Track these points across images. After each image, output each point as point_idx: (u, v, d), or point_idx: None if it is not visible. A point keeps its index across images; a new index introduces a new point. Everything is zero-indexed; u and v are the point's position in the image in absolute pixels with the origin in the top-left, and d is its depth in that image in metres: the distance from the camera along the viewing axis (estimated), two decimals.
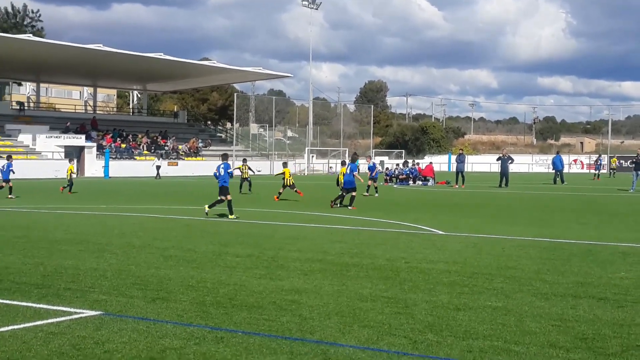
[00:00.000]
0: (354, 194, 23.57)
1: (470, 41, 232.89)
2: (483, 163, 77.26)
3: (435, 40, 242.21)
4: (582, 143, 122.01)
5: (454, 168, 73.25)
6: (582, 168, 76.97)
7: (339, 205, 23.38)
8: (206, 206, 19.91)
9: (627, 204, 26.58)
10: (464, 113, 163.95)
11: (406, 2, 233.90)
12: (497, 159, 41.57)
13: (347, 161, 27.84)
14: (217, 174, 19.98)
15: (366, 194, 30.97)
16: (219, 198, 19.87)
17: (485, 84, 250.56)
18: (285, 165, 29.72)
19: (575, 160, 78.16)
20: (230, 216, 19.30)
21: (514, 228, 17.30)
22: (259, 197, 29.43)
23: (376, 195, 31.08)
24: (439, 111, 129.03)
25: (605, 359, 6.27)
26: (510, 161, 39.99)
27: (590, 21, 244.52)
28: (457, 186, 39.60)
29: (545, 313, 8.01)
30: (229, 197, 19.68)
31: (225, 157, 21.28)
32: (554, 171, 46.13)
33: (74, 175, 32.78)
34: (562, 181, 43.81)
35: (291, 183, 27.59)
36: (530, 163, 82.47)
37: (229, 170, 20.25)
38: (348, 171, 24.00)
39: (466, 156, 43.91)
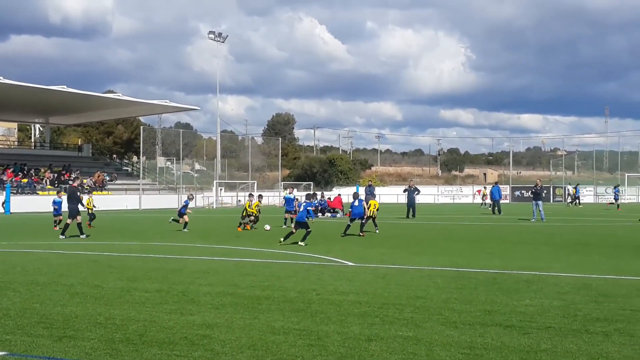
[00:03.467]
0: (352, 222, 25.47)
1: (374, 74, 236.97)
2: (390, 194, 78.32)
3: (339, 73, 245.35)
4: (485, 174, 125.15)
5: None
6: (486, 199, 78.90)
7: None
8: (301, 242, 21.43)
9: (527, 233, 27.33)
10: (370, 145, 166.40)
11: (310, 35, 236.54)
12: (404, 191, 42.30)
13: (361, 191, 28.98)
14: (295, 209, 24.90)
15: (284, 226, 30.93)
16: (292, 230, 22.15)
17: (390, 116, 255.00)
18: (258, 197, 31.59)
19: (479, 191, 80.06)
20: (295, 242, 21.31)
21: (422, 258, 17.59)
22: (166, 231, 29.02)
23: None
24: (346, 143, 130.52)
25: None
26: (416, 192, 40.78)
27: (488, 56, 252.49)
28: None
29: (454, 342, 8.16)
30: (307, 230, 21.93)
31: (309, 196, 25.63)
32: (491, 201, 46.81)
33: None
34: (499, 211, 44.36)
35: (250, 213, 29.31)
36: (435, 194, 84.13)
37: (308, 208, 23.15)
38: (357, 203, 25.36)
39: (375, 187, 44.32)
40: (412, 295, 11.50)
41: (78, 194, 26.43)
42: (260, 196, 31.55)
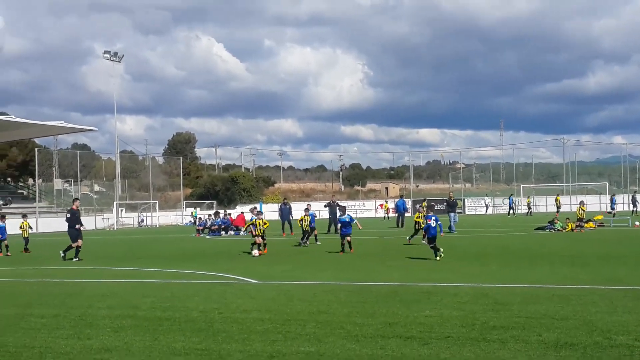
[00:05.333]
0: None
1: (274, 92, 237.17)
2: (295, 211, 78.35)
3: (239, 92, 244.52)
4: (387, 188, 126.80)
5: (268, 217, 73.83)
6: (389, 213, 79.86)
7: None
8: None
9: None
10: (273, 162, 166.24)
11: (207, 54, 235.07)
12: (325, 206, 42.51)
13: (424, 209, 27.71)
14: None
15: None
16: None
17: (291, 133, 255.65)
18: (257, 212, 27.14)
19: (381, 205, 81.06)
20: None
21: (325, 274, 17.67)
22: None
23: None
24: (248, 161, 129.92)
25: None
26: (338, 207, 40.98)
27: (386, 72, 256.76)
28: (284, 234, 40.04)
29: (356, 355, 8.22)
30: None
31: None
32: (396, 214, 47.24)
33: None
34: (402, 225, 44.56)
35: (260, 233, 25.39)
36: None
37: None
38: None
39: (290, 205, 44.12)
40: (315, 311, 11.53)
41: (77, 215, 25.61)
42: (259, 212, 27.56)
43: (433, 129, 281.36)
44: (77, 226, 25.00)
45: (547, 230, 35.75)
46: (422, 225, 25.73)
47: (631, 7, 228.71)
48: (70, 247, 24.88)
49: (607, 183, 77.36)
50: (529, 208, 67.83)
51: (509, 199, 67.72)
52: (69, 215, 25.34)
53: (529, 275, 16.21)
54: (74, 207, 25.98)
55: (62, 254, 24.78)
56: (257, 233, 24.89)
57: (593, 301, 11.83)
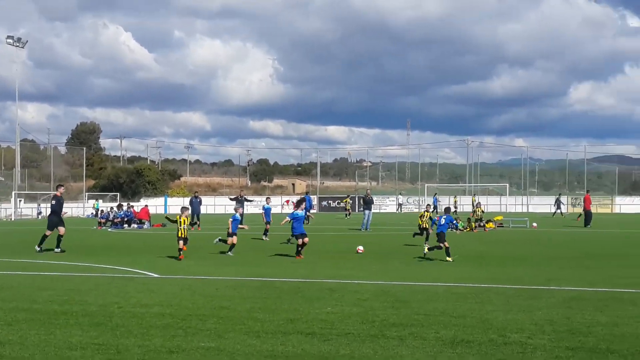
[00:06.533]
0: None
1: (182, 84, 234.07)
2: (207, 205, 77.57)
3: (147, 82, 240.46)
4: (293, 184, 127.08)
5: (172, 210, 72.92)
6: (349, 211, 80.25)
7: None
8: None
9: (333, 243, 28.02)
10: (179, 155, 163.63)
11: (115, 42, 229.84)
12: (232, 199, 42.26)
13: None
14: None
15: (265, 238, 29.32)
16: None
17: (199, 126, 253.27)
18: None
19: (287, 201, 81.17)
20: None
21: (229, 269, 17.58)
22: None
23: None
24: (154, 153, 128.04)
25: None
26: (246, 202, 40.79)
27: (296, 68, 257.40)
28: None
29: (256, 351, 8.20)
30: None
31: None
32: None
33: None
34: (308, 221, 44.45)
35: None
36: (245, 204, 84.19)
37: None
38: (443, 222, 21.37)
39: (200, 198, 43.50)
40: (217, 306, 11.46)
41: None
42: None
43: (341, 126, 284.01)
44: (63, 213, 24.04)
45: (449, 229, 36.45)
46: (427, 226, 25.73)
47: (535, 13, 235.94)
48: (45, 237, 23.47)
49: (507, 185, 79.50)
50: (455, 207, 68.61)
51: (434, 198, 68.64)
52: (54, 202, 24.09)
53: (430, 273, 16.53)
54: (59, 193, 24.67)
55: (38, 248, 23.23)
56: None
57: (490, 299, 12.14)
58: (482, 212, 40.03)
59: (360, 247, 22.70)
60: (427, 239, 23.82)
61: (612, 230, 36.85)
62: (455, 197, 68.30)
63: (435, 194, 70.83)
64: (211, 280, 15.32)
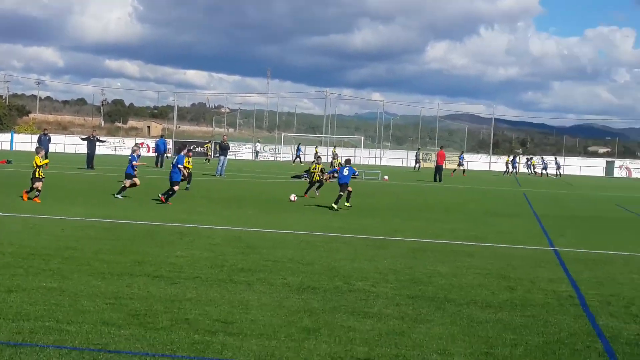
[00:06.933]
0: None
1: (35, 17, 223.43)
2: (57, 143, 74.71)
3: None
4: (149, 127, 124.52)
5: (19, 147, 70.00)
6: (149, 151, 78.73)
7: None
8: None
9: (197, 188, 27.75)
10: (29, 91, 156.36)
11: None
12: (83, 139, 40.77)
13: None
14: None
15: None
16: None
17: (51, 62, 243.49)
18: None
19: (142, 144, 79.58)
20: None
21: (79, 209, 17.10)
22: None
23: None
24: (2, 88, 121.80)
25: (154, 333, 6.49)
26: (99, 143, 39.44)
27: (156, 8, 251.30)
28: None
29: (100, 292, 8.06)
30: None
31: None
32: (155, 154, 45.92)
33: None
34: (162, 165, 42.93)
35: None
36: (97, 145, 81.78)
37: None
38: (346, 172, 21.30)
39: (50, 136, 41.42)
40: (62, 246, 11.16)
41: None
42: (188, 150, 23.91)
43: (201, 71, 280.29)
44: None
45: (303, 179, 36.92)
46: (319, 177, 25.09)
47: None
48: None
49: (362, 137, 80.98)
50: (318, 157, 67.66)
51: (297, 148, 68.19)
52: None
53: (282, 221, 16.69)
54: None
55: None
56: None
57: (338, 248, 12.43)
58: (340, 164, 40.69)
59: (293, 196, 22.59)
60: (316, 188, 23.94)
61: (458, 186, 38.33)
62: (316, 147, 68.79)
63: (299, 143, 71.13)
64: (58, 220, 14.88)
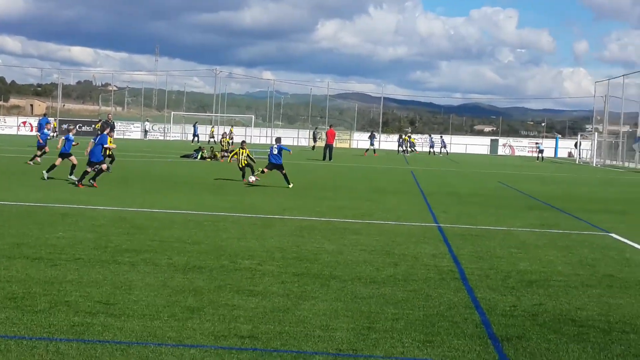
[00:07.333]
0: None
1: None
2: None
3: None
4: (32, 105, 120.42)
5: None
6: (32, 130, 76.19)
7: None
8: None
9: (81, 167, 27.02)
10: None
11: None
12: None
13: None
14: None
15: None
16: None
17: None
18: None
19: (24, 123, 76.87)
20: None
21: None
22: None
23: None
24: None
25: (32, 316, 6.32)
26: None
27: None
28: None
29: None
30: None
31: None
32: (37, 134, 44.27)
33: None
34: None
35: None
36: None
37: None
38: (276, 151, 21.62)
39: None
40: None
41: None
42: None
43: (86, 47, 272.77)
44: None
45: (193, 158, 36.58)
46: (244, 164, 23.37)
47: None
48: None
49: (253, 116, 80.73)
50: (212, 137, 65.81)
51: (194, 127, 66.68)
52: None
53: (169, 201, 16.49)
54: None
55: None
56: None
57: (226, 227, 12.38)
58: (228, 142, 40.47)
59: (252, 177, 21.98)
60: (243, 175, 23.11)
61: (349, 164, 38.79)
62: (212, 127, 68.03)
63: (196, 122, 70.21)
64: None
